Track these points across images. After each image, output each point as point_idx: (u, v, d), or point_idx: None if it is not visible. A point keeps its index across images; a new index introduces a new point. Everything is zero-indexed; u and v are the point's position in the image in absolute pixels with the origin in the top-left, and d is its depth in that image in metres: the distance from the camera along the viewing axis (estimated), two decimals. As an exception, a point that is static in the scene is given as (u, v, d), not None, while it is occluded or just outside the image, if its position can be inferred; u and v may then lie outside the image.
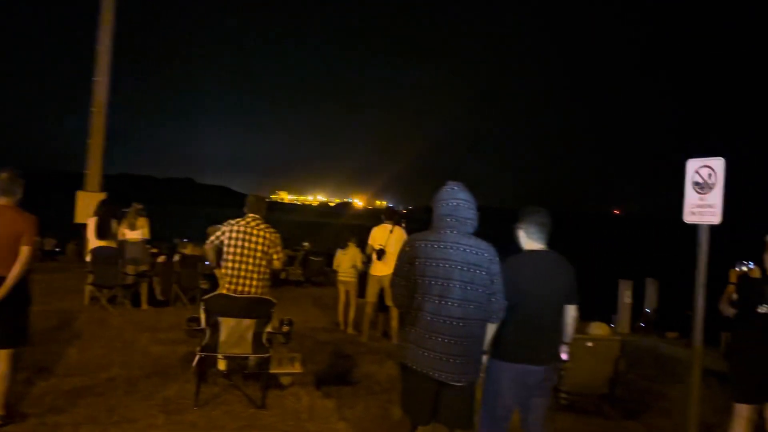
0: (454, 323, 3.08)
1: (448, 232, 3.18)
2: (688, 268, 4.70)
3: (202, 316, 4.80)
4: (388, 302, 7.42)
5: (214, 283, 7.51)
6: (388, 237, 7.48)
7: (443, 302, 3.08)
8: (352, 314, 8.57)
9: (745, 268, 4.19)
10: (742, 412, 3.99)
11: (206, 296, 4.95)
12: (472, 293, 3.12)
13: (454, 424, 3.25)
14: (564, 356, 3.61)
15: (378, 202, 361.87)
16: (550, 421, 4.57)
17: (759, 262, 4.09)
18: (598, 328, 5.65)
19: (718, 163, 4.07)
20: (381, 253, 7.45)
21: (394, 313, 7.32)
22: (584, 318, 9.75)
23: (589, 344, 4.95)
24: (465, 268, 3.11)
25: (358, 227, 11.96)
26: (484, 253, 3.18)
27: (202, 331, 4.77)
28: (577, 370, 4.84)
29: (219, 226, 5.53)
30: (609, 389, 5.08)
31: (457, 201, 3.22)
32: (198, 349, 4.76)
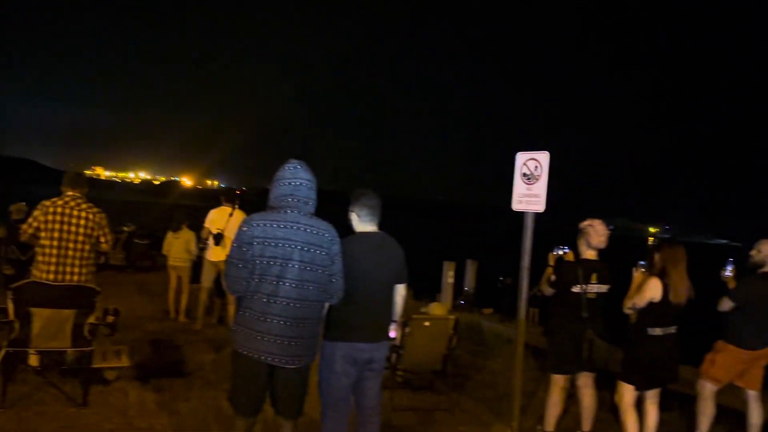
0: (291, 304, 3.04)
1: (289, 211, 3.13)
2: (510, 251, 5.11)
3: (10, 307, 4.16)
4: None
5: (21, 269, 6.52)
6: (227, 220, 7.08)
7: (281, 283, 3.03)
8: (184, 302, 8.05)
9: (561, 252, 4.68)
10: (559, 381, 4.48)
11: (15, 284, 4.26)
12: (311, 274, 3.10)
13: (286, 412, 3.21)
14: (392, 334, 3.73)
15: (209, 182, 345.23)
16: (388, 399, 4.72)
17: (573, 247, 4.60)
18: (436, 308, 5.94)
19: (543, 157, 4.48)
20: (219, 238, 7.04)
21: (231, 297, 6.99)
22: (416, 297, 10.30)
23: (426, 323, 5.18)
24: (305, 249, 3.09)
25: (190, 208, 11.23)
26: (324, 233, 3.17)
27: (10, 323, 4.16)
28: (414, 348, 5.04)
29: (24, 204, 4.77)
30: (442, 365, 5.37)
31: (299, 180, 3.17)
32: (5, 344, 4.17)
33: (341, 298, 3.26)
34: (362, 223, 3.53)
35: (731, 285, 4.64)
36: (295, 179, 3.16)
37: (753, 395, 4.62)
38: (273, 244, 3.03)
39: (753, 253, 4.64)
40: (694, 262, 4.34)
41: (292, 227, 3.08)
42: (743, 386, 4.63)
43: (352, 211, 3.53)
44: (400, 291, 3.63)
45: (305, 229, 3.10)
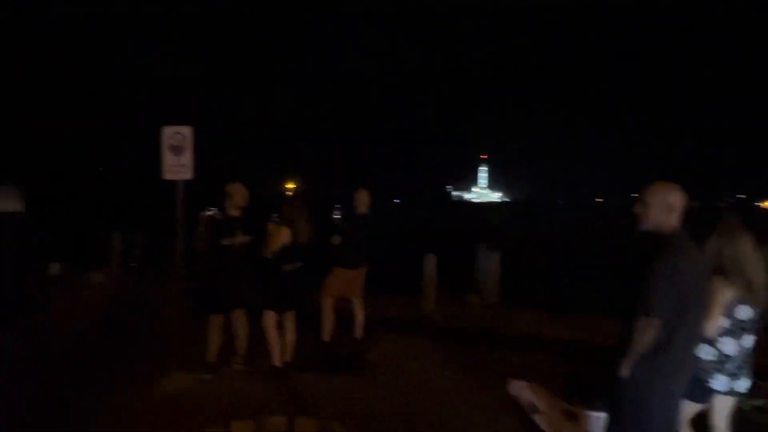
0: None
1: None
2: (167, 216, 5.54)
3: None
4: None
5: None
6: None
7: None
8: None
9: (210, 212, 5.35)
10: (215, 320, 5.22)
11: None
12: None
13: None
14: None
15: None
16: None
17: (221, 208, 5.29)
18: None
19: (187, 130, 5.01)
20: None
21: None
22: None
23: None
24: None
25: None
26: None
27: None
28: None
29: None
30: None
31: None
32: None
33: None
34: None
35: (342, 225, 6.14)
36: None
37: (356, 302, 6.28)
38: None
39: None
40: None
41: None
42: (349, 296, 6.23)
43: None
44: None
45: None
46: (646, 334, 2.64)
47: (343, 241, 6.05)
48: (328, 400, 4.67)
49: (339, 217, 6.22)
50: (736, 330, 3.11)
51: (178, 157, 5.01)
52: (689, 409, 3.22)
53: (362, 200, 6.18)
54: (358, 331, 6.36)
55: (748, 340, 3.15)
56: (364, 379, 5.28)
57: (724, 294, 3.03)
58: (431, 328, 7.58)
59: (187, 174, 5.02)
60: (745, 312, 3.10)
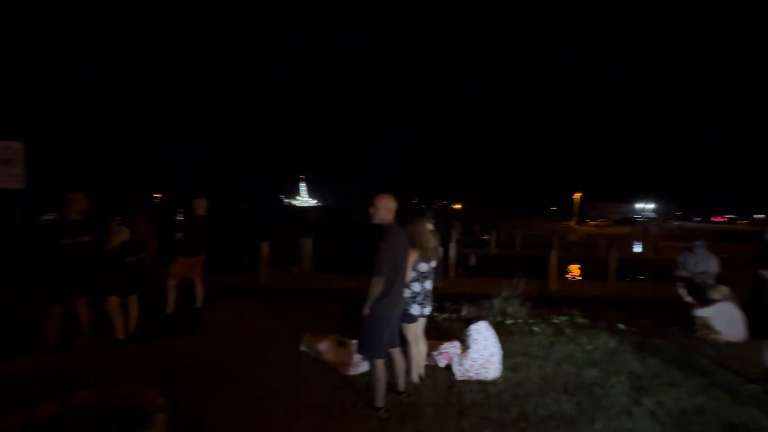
0: None
1: None
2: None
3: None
4: None
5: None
6: None
7: None
8: None
9: (48, 217, 4.23)
10: (55, 309, 4.11)
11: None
12: None
13: None
14: None
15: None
16: None
17: (61, 213, 4.18)
18: None
19: (18, 145, 3.87)
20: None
21: None
22: None
23: None
24: None
25: None
26: None
27: None
28: None
29: None
30: None
31: None
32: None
33: None
34: None
35: (183, 224, 5.45)
36: None
37: (196, 282, 5.64)
38: None
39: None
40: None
41: None
42: (191, 277, 5.54)
43: None
44: None
45: None
46: (376, 287, 2.90)
47: (185, 236, 5.41)
48: (164, 361, 3.99)
49: (182, 218, 5.55)
50: (420, 278, 3.42)
51: (8, 168, 3.83)
52: (412, 327, 3.50)
53: (200, 205, 5.61)
54: (198, 302, 5.73)
55: (428, 284, 3.50)
56: (199, 338, 4.66)
57: (412, 257, 3.34)
58: (264, 293, 7.60)
59: (18, 184, 3.87)
60: (423, 267, 3.42)
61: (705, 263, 5.57)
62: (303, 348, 4.29)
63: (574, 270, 17.09)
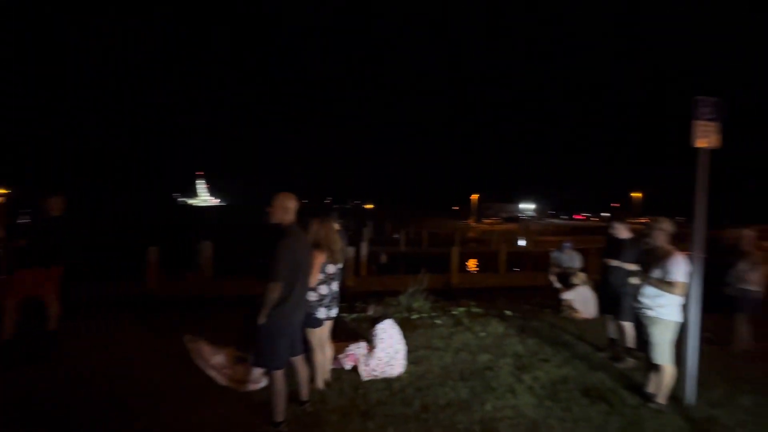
0: None
1: None
2: None
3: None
4: None
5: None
6: None
7: None
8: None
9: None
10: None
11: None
12: None
13: None
14: None
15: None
16: None
17: None
18: None
19: None
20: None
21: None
22: None
23: None
24: None
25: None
26: None
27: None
28: None
29: None
30: None
31: None
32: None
33: None
34: None
35: (29, 228, 4.35)
36: None
37: (49, 299, 4.47)
38: None
39: None
40: None
41: None
42: (41, 294, 4.43)
43: None
44: None
45: None
46: (272, 292, 2.65)
47: (29, 243, 4.25)
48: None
49: (27, 220, 4.36)
50: (327, 280, 3.29)
51: None
52: (317, 331, 3.31)
53: (56, 204, 4.46)
54: (52, 324, 4.55)
55: (335, 285, 3.37)
56: (48, 370, 3.69)
57: (320, 258, 3.18)
58: (154, 303, 6.66)
59: None
60: (331, 268, 3.30)
61: (570, 261, 6.65)
62: (196, 361, 3.74)
63: (472, 264, 18.50)
